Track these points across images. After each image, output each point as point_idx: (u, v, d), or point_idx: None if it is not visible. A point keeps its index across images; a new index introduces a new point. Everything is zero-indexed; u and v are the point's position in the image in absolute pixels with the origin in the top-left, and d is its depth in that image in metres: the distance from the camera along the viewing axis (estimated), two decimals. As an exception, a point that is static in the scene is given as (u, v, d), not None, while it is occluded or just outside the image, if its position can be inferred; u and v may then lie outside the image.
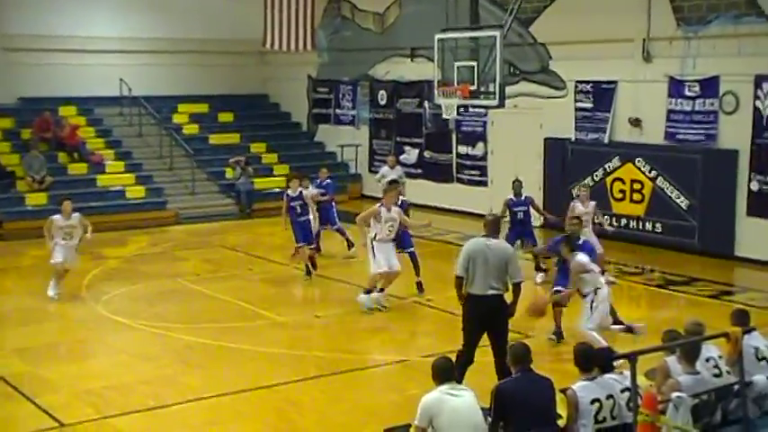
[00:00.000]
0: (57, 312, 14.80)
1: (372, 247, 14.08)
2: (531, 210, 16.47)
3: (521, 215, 16.15)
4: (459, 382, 9.15)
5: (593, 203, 16.19)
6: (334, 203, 18.62)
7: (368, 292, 14.16)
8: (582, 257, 11.48)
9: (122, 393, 10.79)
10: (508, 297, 9.95)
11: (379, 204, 14.44)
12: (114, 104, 26.25)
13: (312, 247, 16.69)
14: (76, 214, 15.47)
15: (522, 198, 16.30)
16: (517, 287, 9.92)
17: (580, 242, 12.19)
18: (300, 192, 16.53)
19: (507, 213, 16.05)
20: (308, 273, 16.34)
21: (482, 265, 9.75)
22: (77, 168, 23.91)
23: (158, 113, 26.07)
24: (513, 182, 16.46)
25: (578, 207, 15.77)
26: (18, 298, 15.71)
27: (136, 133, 25.88)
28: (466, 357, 9.96)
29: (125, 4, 26.43)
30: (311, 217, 16.68)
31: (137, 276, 16.93)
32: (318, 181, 18.45)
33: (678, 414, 7.15)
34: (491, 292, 9.77)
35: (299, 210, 16.34)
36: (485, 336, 10.04)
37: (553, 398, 7.56)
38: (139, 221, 22.15)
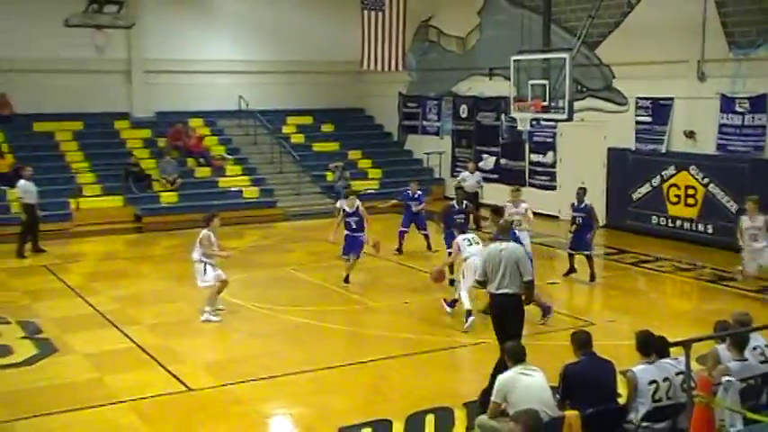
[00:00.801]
0: (184, 294, 15.02)
1: None
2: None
3: (579, 220, 15.31)
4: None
5: (762, 217, 14.13)
6: (423, 212, 18.24)
7: None
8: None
9: (238, 365, 10.99)
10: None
11: (508, 201, 14.97)
12: (234, 117, 26.68)
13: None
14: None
15: (583, 205, 15.43)
16: (528, 284, 9.60)
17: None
18: (357, 208, 15.25)
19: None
20: (347, 280, 15.13)
21: (497, 267, 9.55)
22: (203, 172, 24.36)
23: (270, 125, 26.40)
24: (578, 189, 15.86)
25: (745, 221, 14.40)
26: (152, 281, 16.09)
27: (251, 142, 26.24)
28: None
29: (244, 33, 26.86)
30: (363, 233, 15.26)
31: (251, 265, 17.13)
32: (410, 193, 18.18)
33: (728, 396, 7.00)
34: (505, 290, 9.51)
35: (353, 225, 15.15)
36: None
37: (614, 378, 7.47)
38: (253, 218, 22.47)
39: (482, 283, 9.87)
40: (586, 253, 15.26)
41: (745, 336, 7.73)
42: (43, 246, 18.55)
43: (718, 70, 18.12)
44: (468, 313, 12.21)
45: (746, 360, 7.59)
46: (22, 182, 18.30)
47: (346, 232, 15.28)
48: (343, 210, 15.53)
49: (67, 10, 21.24)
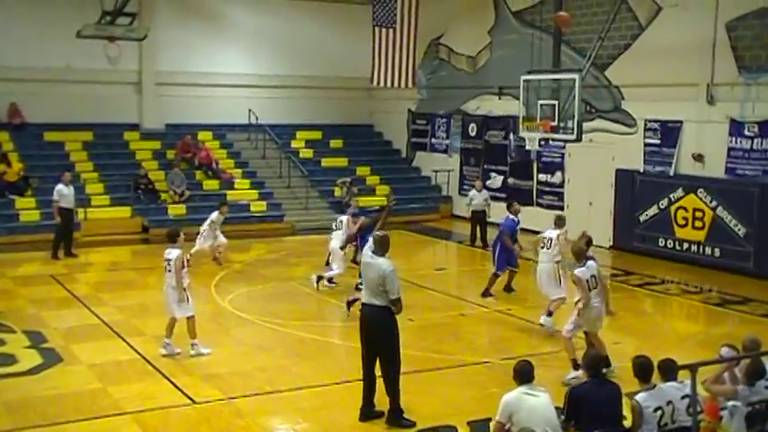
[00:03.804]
0: (190, 306, 15.13)
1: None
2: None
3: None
4: (365, 406, 9.34)
5: None
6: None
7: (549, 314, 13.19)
8: None
9: (243, 378, 10.97)
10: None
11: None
12: (243, 131, 26.79)
13: None
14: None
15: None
16: (395, 302, 9.11)
17: None
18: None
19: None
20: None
21: (365, 278, 9.37)
22: (211, 184, 24.40)
23: (280, 139, 26.47)
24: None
25: None
26: (159, 293, 15.81)
27: (260, 156, 26.33)
28: (364, 375, 9.45)
29: (254, 47, 26.98)
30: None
31: (257, 278, 17.18)
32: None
33: (733, 421, 6.97)
34: (370, 301, 9.19)
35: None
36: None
37: (620, 401, 7.42)
38: (261, 231, 22.50)
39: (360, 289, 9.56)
40: None
41: (760, 369, 7.66)
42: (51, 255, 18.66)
43: (727, 94, 18.13)
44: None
45: (754, 385, 7.54)
46: (59, 186, 18.98)
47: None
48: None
49: (80, 21, 21.44)
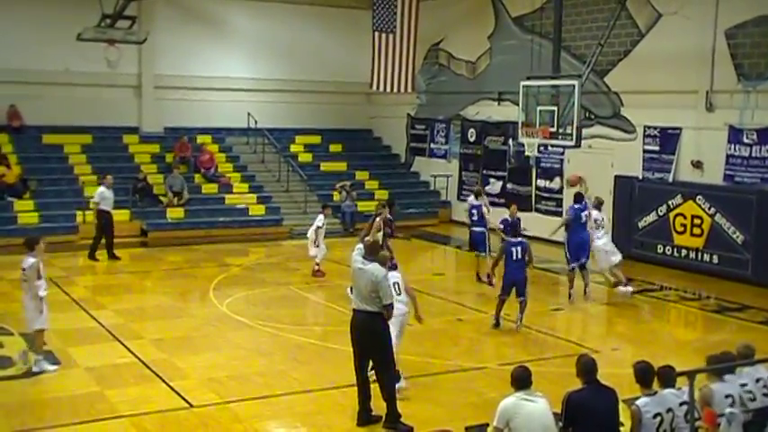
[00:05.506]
0: (188, 310, 15.14)
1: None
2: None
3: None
4: (361, 411, 9.40)
5: None
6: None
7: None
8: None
9: (240, 382, 10.96)
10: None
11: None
12: (242, 135, 26.82)
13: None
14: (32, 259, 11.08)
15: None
16: (387, 307, 9.24)
17: None
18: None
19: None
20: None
21: (356, 284, 9.41)
22: (209, 188, 24.43)
23: (278, 143, 26.50)
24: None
25: None
26: (157, 296, 16.09)
27: (259, 160, 26.34)
28: (357, 380, 9.56)
29: (254, 51, 27.01)
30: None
31: (255, 282, 17.18)
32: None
33: (731, 428, 6.96)
34: (361, 307, 9.29)
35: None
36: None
37: (617, 407, 7.41)
38: (259, 235, 22.49)
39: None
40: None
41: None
42: (49, 259, 18.59)
43: (726, 101, 18.17)
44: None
45: (725, 381, 7.53)
46: (101, 189, 19.28)
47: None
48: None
49: (80, 24, 21.47)
